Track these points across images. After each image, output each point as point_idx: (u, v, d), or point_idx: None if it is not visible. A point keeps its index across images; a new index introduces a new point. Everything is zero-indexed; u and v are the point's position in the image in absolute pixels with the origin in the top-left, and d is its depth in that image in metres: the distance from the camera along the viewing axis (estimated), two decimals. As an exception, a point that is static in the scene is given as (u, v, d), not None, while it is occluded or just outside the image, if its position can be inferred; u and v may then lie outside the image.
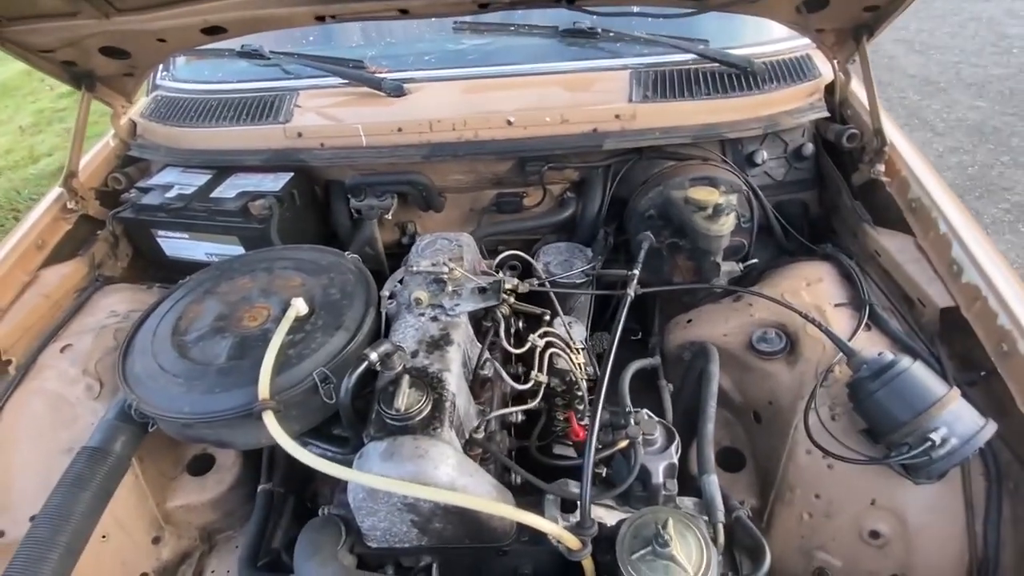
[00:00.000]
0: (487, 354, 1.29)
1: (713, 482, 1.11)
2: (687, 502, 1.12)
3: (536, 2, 1.47)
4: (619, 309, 1.26)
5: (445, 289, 1.33)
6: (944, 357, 1.25)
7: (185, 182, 1.80)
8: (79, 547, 1.11)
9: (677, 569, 0.92)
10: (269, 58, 1.92)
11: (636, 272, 1.37)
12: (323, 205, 1.86)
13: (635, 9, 1.85)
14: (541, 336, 1.39)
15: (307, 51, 1.94)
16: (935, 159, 4.15)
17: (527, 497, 1.13)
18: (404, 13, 1.40)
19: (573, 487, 1.11)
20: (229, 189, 1.74)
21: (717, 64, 1.73)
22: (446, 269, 1.31)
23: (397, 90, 1.73)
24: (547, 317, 1.45)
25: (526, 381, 1.29)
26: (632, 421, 1.13)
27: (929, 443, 1.03)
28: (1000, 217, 3.70)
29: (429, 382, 1.13)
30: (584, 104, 1.66)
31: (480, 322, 1.38)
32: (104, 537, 1.35)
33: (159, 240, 1.80)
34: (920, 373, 1.11)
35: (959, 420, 1.06)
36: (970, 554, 1.14)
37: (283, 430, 1.04)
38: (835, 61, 1.69)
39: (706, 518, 1.06)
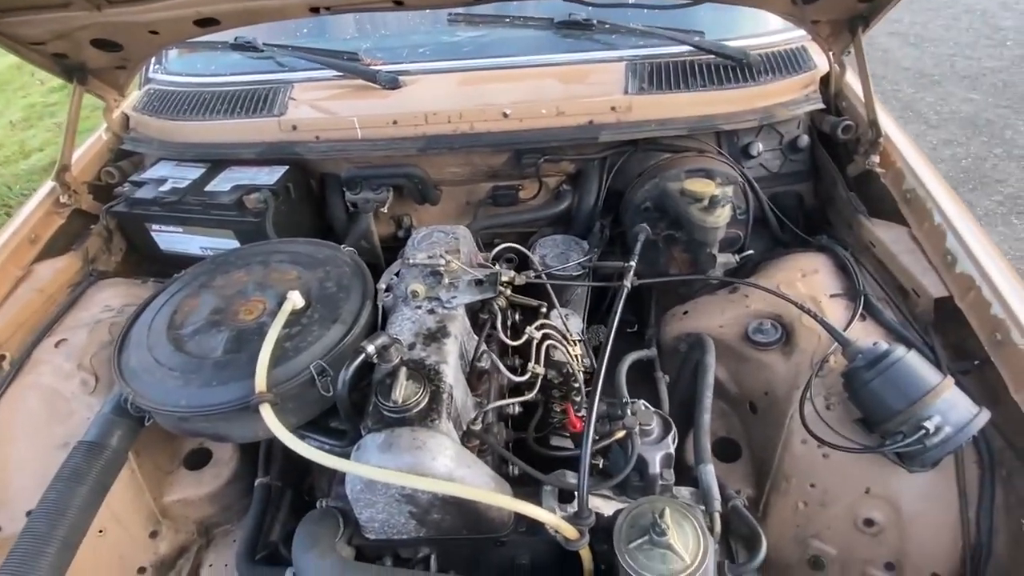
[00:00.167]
0: (484, 346, 1.30)
1: (709, 472, 1.11)
2: (684, 492, 1.13)
3: None
4: (615, 301, 1.26)
5: (442, 282, 1.33)
6: (938, 347, 1.26)
7: (179, 176, 1.79)
8: (76, 541, 1.11)
9: (674, 558, 0.92)
10: (263, 50, 1.91)
11: (632, 264, 1.37)
12: (319, 198, 1.85)
13: (631, 0, 1.85)
14: (538, 328, 1.39)
15: (301, 43, 1.93)
16: (929, 152, 4.16)
17: (525, 488, 1.14)
18: (399, 4, 1.39)
19: (570, 478, 1.11)
20: (224, 183, 1.73)
21: (713, 56, 1.73)
22: (443, 262, 1.31)
23: (392, 82, 1.73)
24: (544, 309, 1.45)
25: (523, 373, 1.30)
26: (629, 412, 1.14)
27: (923, 431, 1.04)
28: (993, 209, 3.72)
29: (426, 374, 1.13)
30: (580, 96, 1.66)
31: (477, 314, 1.38)
32: (101, 531, 1.35)
33: (153, 234, 1.80)
34: (914, 362, 1.12)
35: (953, 408, 1.07)
36: (963, 541, 1.15)
37: (280, 423, 1.04)
38: (830, 53, 1.69)
39: (703, 507, 1.07)
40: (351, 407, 1.12)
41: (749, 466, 1.39)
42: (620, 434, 1.11)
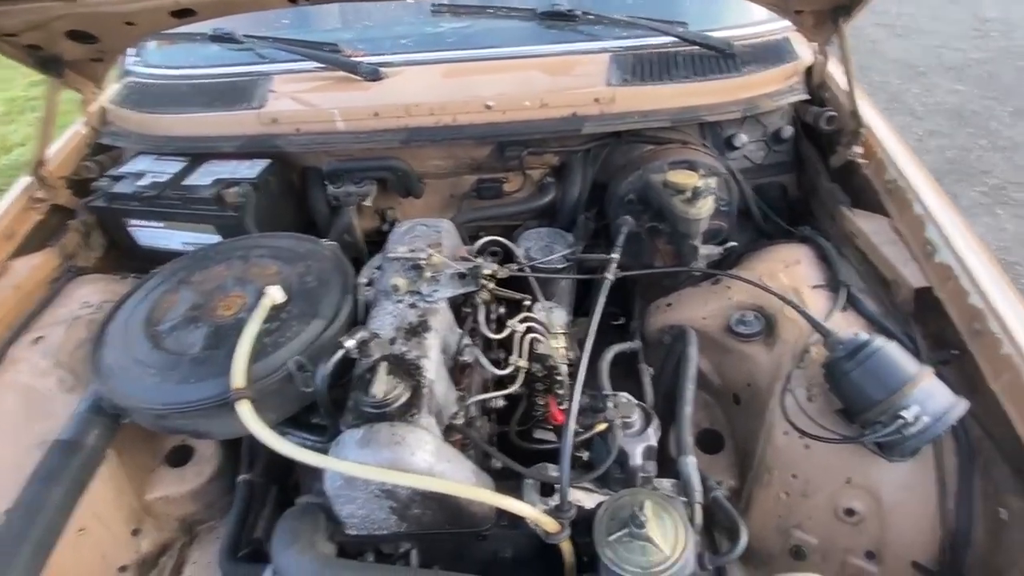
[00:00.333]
0: (467, 340, 1.29)
1: (691, 463, 1.11)
2: (665, 484, 1.13)
3: None
4: (598, 293, 1.25)
5: (423, 275, 1.32)
6: (918, 337, 1.26)
7: (158, 170, 1.77)
8: (51, 542, 1.09)
9: (653, 550, 0.92)
10: (242, 42, 1.88)
11: (615, 256, 1.37)
12: (300, 192, 1.83)
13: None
14: (521, 321, 1.39)
15: (281, 35, 1.90)
16: (915, 143, 4.18)
17: (507, 482, 1.13)
18: (379, -7, 1.37)
19: (552, 471, 1.11)
20: (203, 176, 1.70)
21: (696, 47, 1.72)
22: (424, 255, 1.30)
23: (374, 74, 1.71)
24: (527, 302, 1.45)
25: (507, 367, 1.29)
26: (610, 404, 1.14)
27: (901, 421, 1.05)
28: (978, 200, 3.75)
29: (407, 369, 1.13)
30: (563, 88, 1.65)
31: (460, 308, 1.37)
32: (82, 530, 1.34)
33: (132, 230, 1.77)
34: (894, 353, 1.13)
35: (931, 398, 1.07)
36: (942, 530, 1.16)
37: (259, 419, 1.03)
38: (814, 43, 1.69)
39: (684, 499, 1.07)
40: (331, 403, 1.11)
41: (732, 457, 1.39)
42: (601, 427, 1.11)
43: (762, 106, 1.66)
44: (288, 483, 1.52)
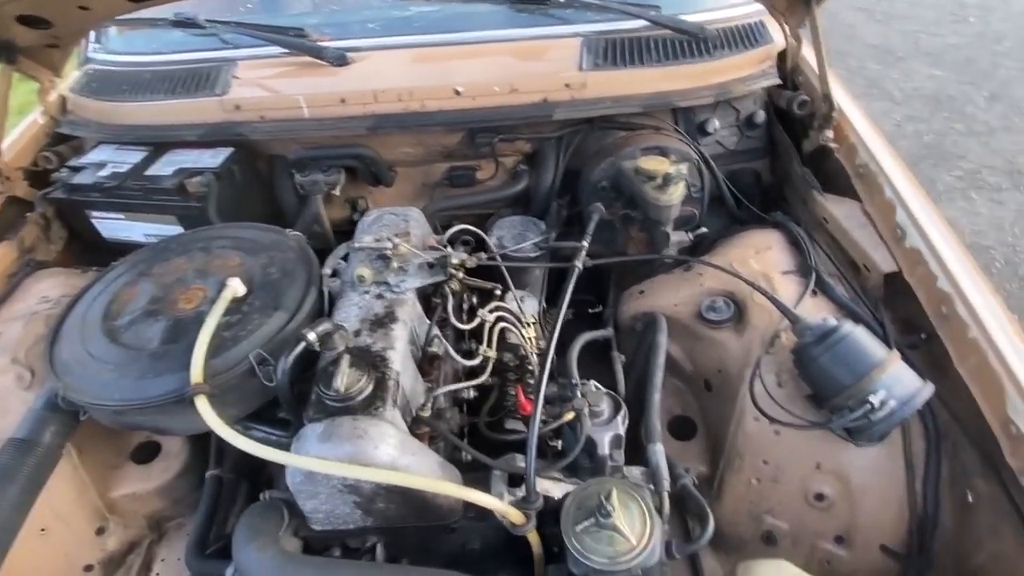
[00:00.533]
0: (435, 330, 1.27)
1: (659, 451, 1.11)
2: (635, 472, 1.12)
3: None
4: (563, 280, 1.24)
5: (390, 265, 1.29)
6: (887, 321, 1.26)
7: (119, 160, 1.71)
8: (7, 542, 1.06)
9: (620, 539, 0.91)
10: (205, 27, 1.82)
11: (585, 243, 1.35)
12: (267, 182, 1.79)
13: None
14: (491, 311, 1.37)
15: (246, 19, 1.84)
16: (893, 128, 4.20)
17: (476, 473, 1.12)
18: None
19: (520, 461, 1.09)
20: (165, 166, 1.66)
21: (669, 31, 1.70)
22: (390, 244, 1.27)
23: (340, 59, 1.66)
24: (498, 292, 1.43)
25: (476, 357, 1.27)
26: (579, 393, 1.12)
27: (869, 407, 1.05)
28: (953, 184, 3.78)
29: (371, 361, 1.10)
30: (534, 73, 1.62)
31: (430, 299, 1.35)
32: (43, 530, 1.31)
33: (95, 222, 1.72)
34: (861, 338, 1.12)
35: (898, 383, 1.07)
36: (910, 513, 1.16)
37: (219, 415, 1.00)
38: (786, 26, 1.67)
39: (652, 487, 1.06)
40: (294, 397, 1.09)
41: (704, 444, 1.39)
42: (569, 416, 1.09)
43: (735, 91, 1.65)
44: (260, 479, 1.50)
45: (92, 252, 1.77)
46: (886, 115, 4.36)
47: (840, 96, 1.57)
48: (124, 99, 1.75)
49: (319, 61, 1.68)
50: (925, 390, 1.07)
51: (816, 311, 1.28)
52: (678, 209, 1.48)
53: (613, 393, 1.17)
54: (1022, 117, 4.34)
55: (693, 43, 1.67)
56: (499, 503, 0.95)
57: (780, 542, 1.24)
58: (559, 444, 1.24)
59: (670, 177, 1.43)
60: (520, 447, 1.19)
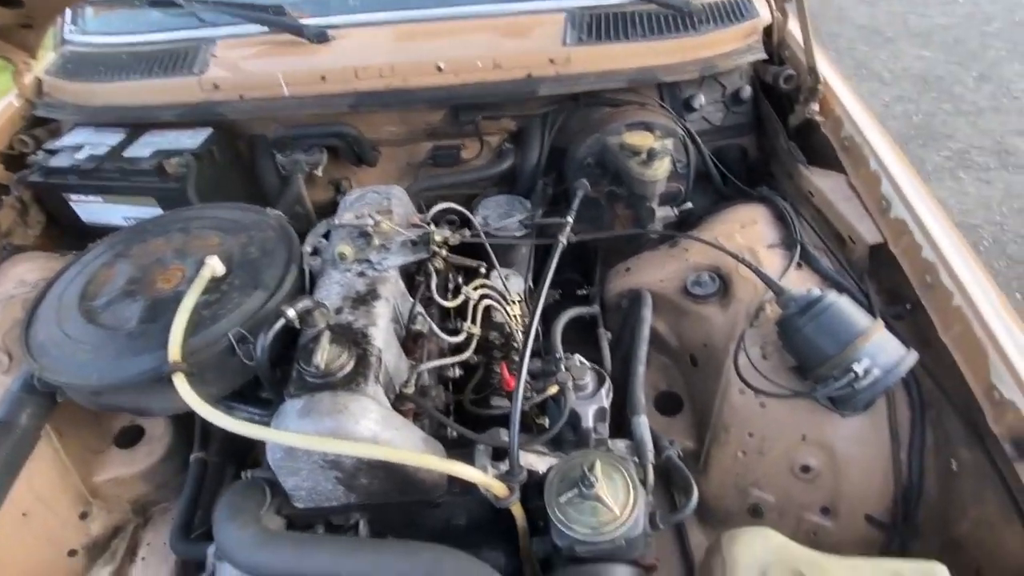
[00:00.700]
0: (419, 308, 1.25)
1: (642, 423, 1.10)
2: (620, 445, 1.11)
3: None
4: (548, 257, 1.22)
5: (372, 243, 1.28)
6: (873, 293, 1.26)
7: (97, 141, 1.69)
8: (-15, 525, 1.05)
9: (603, 510, 0.91)
10: (182, 6, 1.78)
11: (570, 219, 1.34)
12: (248, 163, 1.77)
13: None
14: (476, 289, 1.36)
15: (224, -2, 1.81)
16: (881, 109, 4.19)
17: (461, 450, 1.11)
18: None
19: (504, 436, 1.09)
20: (143, 148, 1.63)
21: (654, 5, 1.68)
22: (371, 221, 1.26)
23: (320, 36, 1.63)
24: (483, 270, 1.42)
25: (460, 334, 1.26)
26: (563, 367, 1.11)
27: (852, 375, 1.04)
28: (941, 164, 3.78)
29: (353, 338, 1.09)
30: (517, 48, 1.60)
31: (413, 277, 1.34)
32: (25, 515, 1.30)
33: (73, 205, 1.69)
34: (845, 307, 1.12)
35: (882, 351, 1.07)
36: (895, 483, 1.17)
37: (198, 394, 0.98)
38: (772, 0, 1.66)
39: (636, 460, 1.06)
40: (274, 376, 1.07)
41: (690, 419, 1.39)
42: (553, 389, 1.09)
43: (720, 66, 1.63)
44: (246, 461, 1.49)
45: (72, 237, 1.74)
46: (875, 96, 4.35)
47: (825, 69, 1.56)
48: (101, 80, 1.72)
49: (299, 39, 1.65)
50: (909, 358, 1.07)
51: (801, 283, 1.27)
52: (663, 185, 1.47)
53: (597, 367, 1.17)
54: (1010, 97, 4.34)
55: (678, 17, 1.65)
56: (482, 475, 0.94)
57: (766, 514, 1.24)
58: (546, 422, 1.24)
59: (655, 152, 1.42)
60: (505, 422, 1.17)
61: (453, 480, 1.08)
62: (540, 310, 1.09)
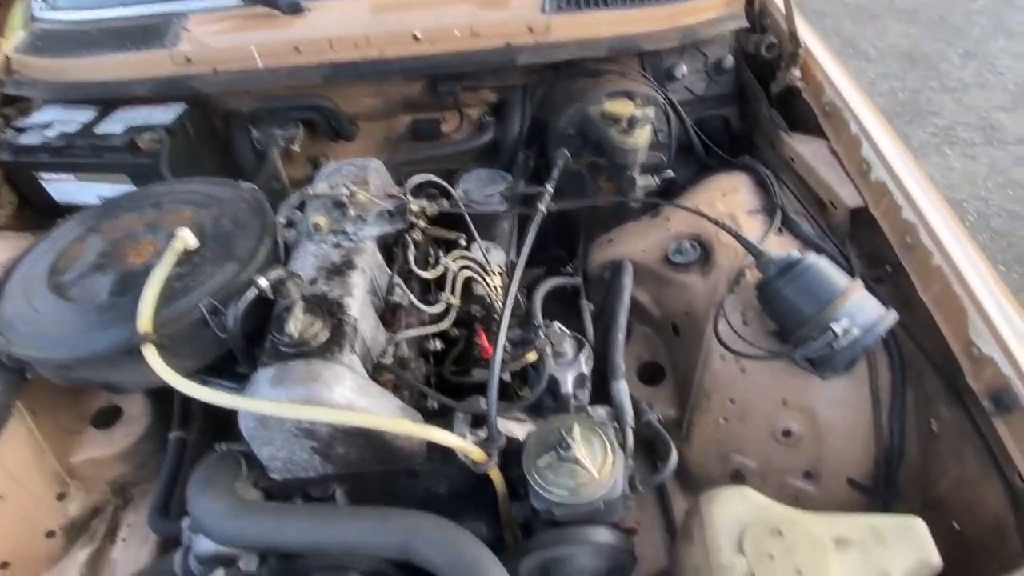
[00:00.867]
0: (397, 279, 1.24)
1: (622, 389, 1.09)
2: (600, 411, 1.10)
3: None
4: (528, 226, 1.20)
5: (347, 214, 1.25)
6: (853, 257, 1.25)
7: (67, 119, 1.65)
8: (-46, 504, 1.03)
9: (581, 472, 0.90)
10: (154, -21, 1.74)
11: (550, 188, 1.32)
12: (224, 140, 1.73)
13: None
14: (455, 260, 1.34)
15: (195, -30, 1.77)
16: (868, 86, 4.17)
17: (440, 419, 1.10)
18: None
19: (483, 403, 1.07)
20: (115, 124, 1.60)
21: (634, -27, 1.65)
22: (345, 191, 1.23)
23: (294, 8, 1.60)
24: (463, 242, 1.40)
25: (438, 304, 1.25)
26: (541, 334, 1.10)
27: (831, 335, 1.04)
28: (927, 140, 3.78)
29: (328, 308, 1.07)
30: (495, 17, 1.57)
31: (392, 250, 1.32)
32: (0, 496, 1.28)
33: (45, 184, 1.66)
34: (824, 268, 1.11)
35: (861, 311, 1.06)
36: (876, 445, 1.16)
37: (172, 367, 0.97)
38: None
39: (616, 425, 1.05)
40: (247, 347, 1.06)
41: (673, 388, 1.38)
42: (531, 356, 1.07)
43: (702, 34, 1.61)
44: (228, 440, 1.47)
45: (44, 217, 1.70)
46: (861, 73, 4.34)
47: (807, 36, 1.54)
48: (71, 56, 1.68)
49: (272, 11, 1.61)
50: (888, 317, 1.06)
51: (781, 248, 1.26)
52: (644, 153, 1.45)
53: (577, 335, 1.16)
54: (995, 73, 4.33)
55: (658, -15, 1.62)
56: (458, 440, 0.93)
57: (748, 480, 1.24)
58: (528, 394, 1.22)
59: (635, 120, 1.40)
60: (484, 390, 1.17)
61: (432, 448, 1.07)
62: (519, 275, 1.08)
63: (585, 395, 1.10)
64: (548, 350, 1.07)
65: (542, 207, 1.27)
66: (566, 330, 1.15)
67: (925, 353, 1.14)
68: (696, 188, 1.52)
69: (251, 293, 1.02)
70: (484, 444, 0.96)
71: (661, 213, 1.48)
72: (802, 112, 1.56)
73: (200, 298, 1.07)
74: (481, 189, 1.60)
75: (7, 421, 1.17)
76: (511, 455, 1.01)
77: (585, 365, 1.09)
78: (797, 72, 1.52)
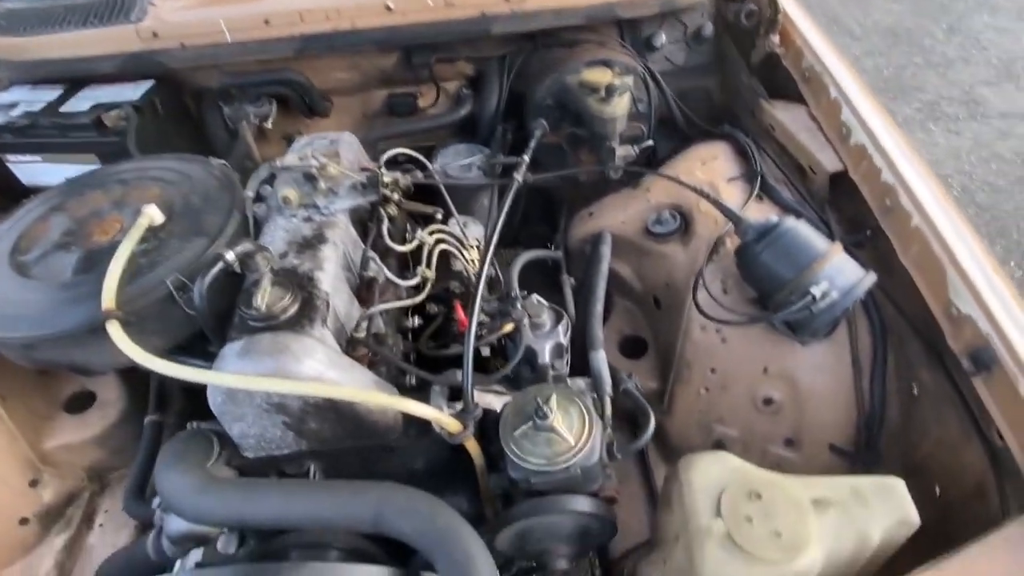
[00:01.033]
0: (371, 252, 1.21)
1: (600, 358, 1.08)
2: (580, 382, 1.09)
3: None
4: (504, 197, 1.18)
5: (318, 187, 1.22)
6: (833, 222, 1.24)
7: (33, 99, 1.60)
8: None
9: (558, 440, 0.89)
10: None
11: (526, 158, 1.29)
12: (196, 119, 1.69)
13: None
14: (431, 233, 1.31)
15: (162, -57, 1.71)
16: (853, 63, 4.16)
17: (420, 394, 1.08)
18: None
19: (460, 376, 1.05)
20: (82, 102, 1.55)
21: (612, -62, 1.62)
22: (315, 163, 1.20)
23: (262, -20, 1.55)
24: (439, 216, 1.37)
25: (413, 277, 1.22)
26: (519, 305, 1.08)
27: (810, 298, 1.02)
28: (912, 116, 3.78)
29: (298, 281, 1.04)
30: (470, -15, 1.53)
31: (367, 225, 1.29)
32: (-31, 483, 1.25)
33: (11, 167, 1.62)
34: (803, 231, 1.10)
35: (840, 273, 1.05)
36: (858, 410, 1.16)
37: (140, 345, 0.94)
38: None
39: (595, 395, 1.03)
40: (217, 324, 1.03)
41: (655, 361, 1.37)
42: (508, 327, 1.06)
43: (681, 1, 1.58)
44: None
45: (11, 200, 1.65)
46: (846, 50, 4.29)
47: (787, 2, 1.52)
48: (34, 33, 1.63)
49: (241, -17, 1.57)
50: (867, 279, 1.05)
51: (761, 215, 1.24)
52: (623, 122, 1.43)
53: (555, 306, 1.14)
54: (979, 48, 4.33)
55: (636, -49, 1.59)
56: (433, 411, 0.91)
57: (730, 449, 1.21)
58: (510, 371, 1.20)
59: (613, 88, 1.37)
60: (460, 364, 1.15)
61: (408, 423, 1.05)
62: (495, 242, 1.06)
63: (563, 366, 1.08)
64: (525, 321, 1.05)
65: (519, 176, 1.25)
66: (544, 301, 1.13)
67: (905, 317, 1.13)
68: (676, 158, 1.50)
69: (217, 267, 0.99)
70: (460, 415, 0.94)
71: (641, 184, 1.46)
72: (782, 79, 1.53)
73: (167, 274, 1.04)
74: (459, 163, 1.58)
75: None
76: (489, 428, 0.99)
77: (563, 336, 1.07)
78: (776, 39, 1.50)
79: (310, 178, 1.23)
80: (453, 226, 1.40)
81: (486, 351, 1.28)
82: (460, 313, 1.21)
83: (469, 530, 0.79)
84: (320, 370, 0.92)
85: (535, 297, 1.14)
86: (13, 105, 1.59)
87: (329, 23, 1.49)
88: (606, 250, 1.31)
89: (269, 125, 1.63)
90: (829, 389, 1.16)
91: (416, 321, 1.29)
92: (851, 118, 1.26)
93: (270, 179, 1.28)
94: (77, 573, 1.34)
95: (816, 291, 1.02)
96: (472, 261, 1.34)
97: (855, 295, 1.04)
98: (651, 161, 1.58)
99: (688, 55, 1.70)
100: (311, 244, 1.14)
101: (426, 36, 1.52)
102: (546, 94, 1.56)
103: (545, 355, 1.05)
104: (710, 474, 0.87)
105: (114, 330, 0.95)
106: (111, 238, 1.14)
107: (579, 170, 1.53)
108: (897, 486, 0.86)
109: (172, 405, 1.38)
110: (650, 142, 1.49)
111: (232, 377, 0.88)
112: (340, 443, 1.02)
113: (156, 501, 1.03)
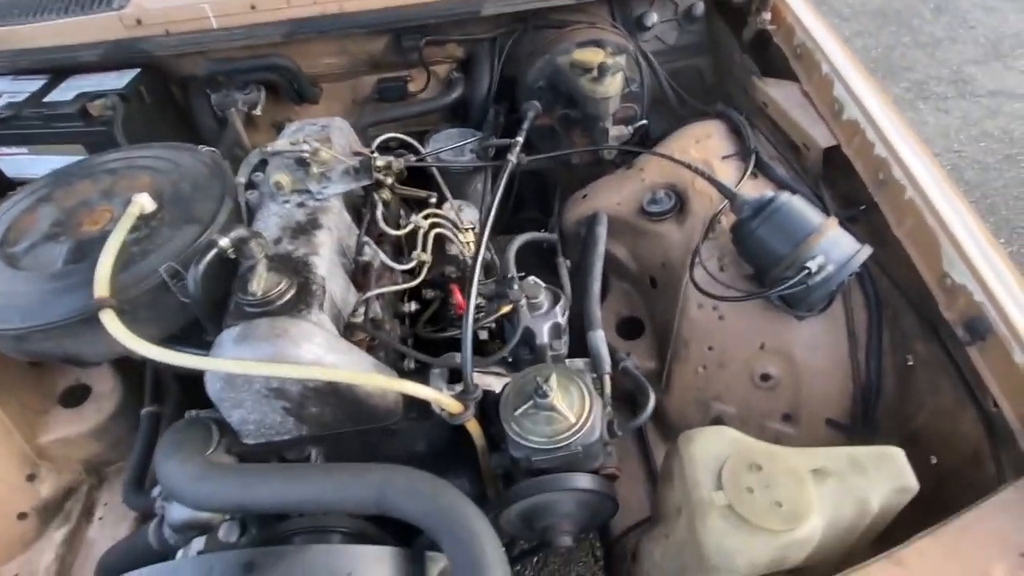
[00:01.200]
0: (365, 238, 1.20)
1: (598, 337, 1.08)
2: (578, 362, 1.09)
3: None
4: (498, 179, 1.17)
5: (311, 172, 1.21)
6: (828, 198, 1.24)
7: (16, 89, 1.58)
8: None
9: (559, 418, 0.89)
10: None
11: (520, 139, 1.28)
12: (183, 108, 1.67)
13: None
14: (425, 217, 1.31)
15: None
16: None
17: (419, 377, 1.07)
18: None
19: (459, 359, 1.05)
20: (66, 91, 1.53)
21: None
22: (307, 147, 1.19)
23: (248, -37, 1.53)
24: (433, 200, 1.37)
25: (409, 261, 1.22)
26: (515, 287, 1.08)
27: (806, 271, 1.03)
28: (901, 96, 3.78)
29: (293, 266, 1.04)
30: (459, -34, 1.52)
31: (361, 211, 1.28)
32: (-34, 479, 1.24)
33: (-4, 160, 1.59)
34: (798, 206, 1.10)
35: (835, 247, 1.05)
36: (854, 383, 1.16)
37: (123, 327, 0.93)
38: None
39: (594, 375, 1.04)
40: (213, 312, 1.02)
41: (652, 341, 1.37)
42: (506, 308, 1.05)
43: (671, -21, 1.58)
44: (205, 415, 1.44)
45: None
46: (834, 30, 4.32)
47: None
48: (15, 22, 1.60)
49: (225, -33, 1.54)
50: (862, 252, 1.05)
51: (756, 192, 1.24)
52: (616, 103, 1.42)
53: (552, 287, 1.14)
54: (966, 27, 4.34)
55: (627, -72, 1.58)
56: (433, 392, 0.91)
57: (729, 426, 1.24)
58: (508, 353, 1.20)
59: (606, 67, 1.36)
60: (458, 347, 1.15)
61: (408, 405, 1.05)
62: (492, 222, 1.05)
63: (561, 345, 1.08)
64: (523, 302, 1.05)
65: (512, 157, 1.24)
66: (541, 282, 1.13)
67: (900, 290, 1.13)
68: (669, 137, 1.49)
69: (212, 253, 0.98)
70: (460, 396, 0.94)
71: (635, 165, 1.45)
72: (774, 57, 1.53)
73: (160, 262, 1.03)
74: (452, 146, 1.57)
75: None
76: (489, 409, 0.99)
77: (561, 316, 1.07)
78: (767, 16, 1.49)
79: (302, 163, 1.22)
80: (447, 210, 1.40)
81: (484, 335, 1.28)
82: (457, 296, 1.21)
83: (473, 508, 0.80)
84: (319, 354, 0.92)
85: (532, 278, 1.14)
86: (-4, 96, 1.56)
87: (316, 6, 1.47)
88: (602, 231, 1.30)
89: (258, 112, 1.61)
90: (826, 363, 1.17)
91: (412, 306, 1.29)
92: (843, 93, 1.26)
93: (261, 165, 1.26)
94: (78, 566, 1.33)
95: (812, 265, 1.02)
96: (467, 244, 1.33)
97: (851, 268, 1.04)
98: (644, 141, 1.58)
99: (680, 34, 1.69)
100: (305, 229, 1.13)
101: (416, 18, 1.50)
102: (538, 76, 1.55)
103: (543, 335, 1.05)
104: (710, 447, 0.87)
105: (108, 318, 0.94)
106: (101, 227, 1.12)
107: (573, 151, 1.53)
108: (895, 454, 0.87)
109: (168, 396, 1.37)
110: (643, 122, 1.49)
111: (230, 363, 0.87)
112: (340, 427, 1.02)
113: (156, 490, 1.02)
